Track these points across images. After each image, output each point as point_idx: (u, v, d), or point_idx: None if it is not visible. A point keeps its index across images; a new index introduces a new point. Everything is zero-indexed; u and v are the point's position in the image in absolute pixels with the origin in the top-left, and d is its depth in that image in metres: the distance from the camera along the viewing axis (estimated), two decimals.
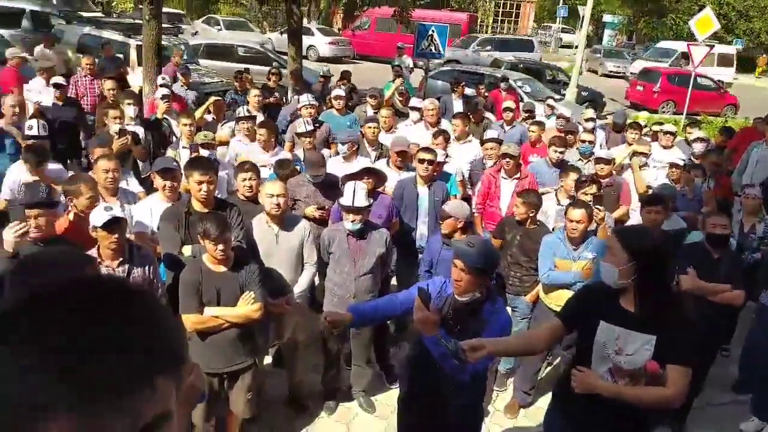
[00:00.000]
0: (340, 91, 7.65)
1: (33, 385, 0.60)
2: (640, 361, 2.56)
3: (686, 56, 17.33)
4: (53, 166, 5.07)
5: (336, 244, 4.12)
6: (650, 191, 5.91)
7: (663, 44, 26.95)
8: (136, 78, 10.11)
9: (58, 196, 3.69)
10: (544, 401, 4.01)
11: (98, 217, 3.20)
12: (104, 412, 0.61)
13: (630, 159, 6.67)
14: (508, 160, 5.50)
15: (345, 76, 10.27)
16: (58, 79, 7.19)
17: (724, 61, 24.02)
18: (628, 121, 8.35)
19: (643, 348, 2.55)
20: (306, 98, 7.04)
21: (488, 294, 2.88)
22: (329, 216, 4.78)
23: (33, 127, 5.29)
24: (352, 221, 3.99)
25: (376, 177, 4.73)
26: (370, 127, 6.28)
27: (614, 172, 6.14)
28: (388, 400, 4.43)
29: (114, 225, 3.19)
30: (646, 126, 9.33)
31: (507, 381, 4.84)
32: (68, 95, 7.49)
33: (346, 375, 4.56)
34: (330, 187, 4.83)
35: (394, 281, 5.21)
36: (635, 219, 5.55)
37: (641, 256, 2.51)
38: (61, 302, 0.66)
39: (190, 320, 3.33)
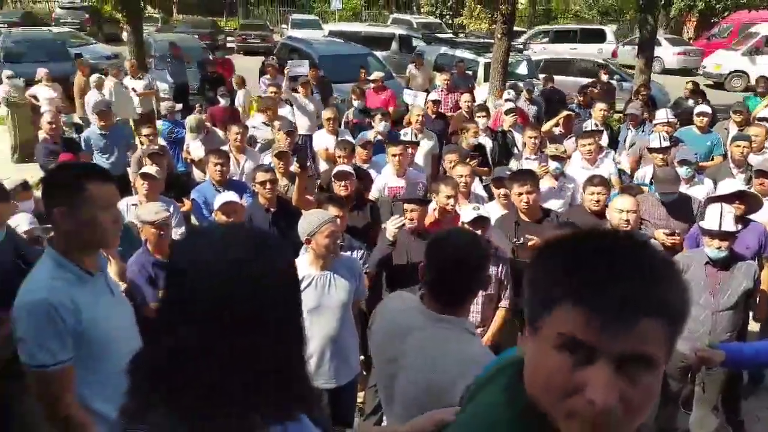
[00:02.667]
0: (705, 108, 6.92)
1: None
2: None
3: None
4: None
5: (690, 271, 3.76)
6: None
7: None
8: (481, 92, 10.89)
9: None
10: None
11: (467, 214, 3.59)
12: None
13: None
14: None
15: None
16: (434, 95, 8.26)
17: None
18: None
19: None
20: (663, 114, 6.59)
21: None
22: (681, 242, 4.39)
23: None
24: (717, 248, 3.59)
25: (748, 202, 4.16)
26: (738, 146, 5.54)
27: None
28: None
29: (478, 223, 3.54)
30: None
31: None
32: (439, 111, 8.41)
33: (683, 417, 4.12)
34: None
35: None
36: None
37: None
38: None
39: None
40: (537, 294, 0.88)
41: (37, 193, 4.29)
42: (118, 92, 9.18)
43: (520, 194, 4.16)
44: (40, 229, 3.71)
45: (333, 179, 4.72)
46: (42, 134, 6.55)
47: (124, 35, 20.12)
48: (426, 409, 1.86)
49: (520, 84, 9.36)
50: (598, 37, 22.14)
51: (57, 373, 1.89)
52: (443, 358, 1.85)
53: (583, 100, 8.74)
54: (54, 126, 6.32)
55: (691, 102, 8.38)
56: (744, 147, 5.52)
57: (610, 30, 23.44)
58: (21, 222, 3.70)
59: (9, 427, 2.68)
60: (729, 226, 3.55)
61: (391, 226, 3.82)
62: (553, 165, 5.32)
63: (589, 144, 5.82)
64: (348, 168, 4.84)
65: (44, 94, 9.30)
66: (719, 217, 3.55)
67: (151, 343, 1.07)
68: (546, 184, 5.19)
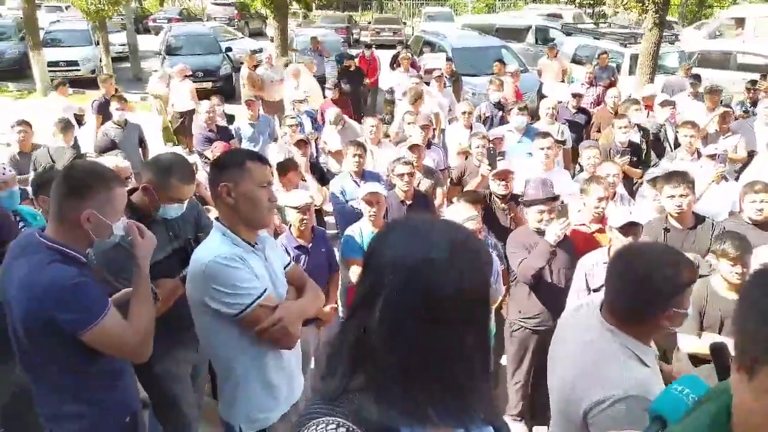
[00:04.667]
0: None
1: None
2: None
3: None
4: None
5: None
6: None
7: None
8: (625, 86, 10.22)
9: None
10: None
11: (617, 218, 3.37)
12: None
13: None
14: None
15: None
16: (575, 88, 7.93)
17: None
18: None
19: None
20: None
21: None
22: None
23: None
24: None
25: None
26: None
27: None
28: None
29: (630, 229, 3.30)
30: None
31: None
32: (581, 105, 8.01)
33: None
34: None
35: None
36: None
37: None
38: None
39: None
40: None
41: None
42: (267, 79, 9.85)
43: (672, 197, 3.78)
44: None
45: (493, 178, 4.53)
46: (200, 123, 7.11)
47: (268, 30, 21.39)
48: (564, 411, 1.80)
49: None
50: None
51: (256, 310, 2.08)
52: (596, 370, 1.75)
53: (751, 97, 7.88)
54: (211, 115, 6.87)
55: None
56: None
57: None
58: None
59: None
60: None
61: (557, 230, 3.50)
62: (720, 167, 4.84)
63: None
64: (509, 167, 4.62)
65: (176, 89, 9.58)
66: None
67: (345, 330, 1.09)
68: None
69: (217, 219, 2.25)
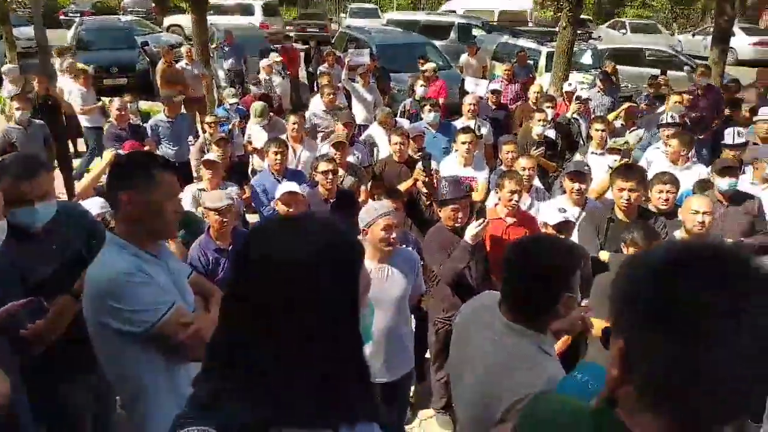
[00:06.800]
0: None
1: None
2: None
3: None
4: None
5: None
6: None
7: None
8: (542, 83, 10.59)
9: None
10: None
11: (552, 216, 3.46)
12: None
13: None
14: None
15: None
16: (495, 86, 8.07)
17: None
18: None
19: None
20: (766, 111, 6.20)
21: None
22: None
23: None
24: None
25: None
26: None
27: None
28: None
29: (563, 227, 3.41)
30: None
31: None
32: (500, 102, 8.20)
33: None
34: None
35: None
36: None
37: None
38: None
39: None
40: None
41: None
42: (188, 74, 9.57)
43: (622, 189, 3.84)
44: (112, 214, 3.81)
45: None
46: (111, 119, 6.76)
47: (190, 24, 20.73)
48: (477, 415, 1.82)
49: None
50: None
51: (168, 324, 1.94)
52: (509, 373, 1.78)
53: (654, 91, 8.36)
54: (122, 112, 6.53)
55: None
56: None
57: None
58: (92, 206, 3.81)
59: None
60: None
61: (474, 230, 3.54)
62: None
63: (681, 144, 5.25)
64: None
65: (67, 86, 8.63)
66: None
67: (217, 332, 1.08)
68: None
69: (110, 230, 2.11)
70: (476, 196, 5.21)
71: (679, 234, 3.81)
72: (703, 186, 4.61)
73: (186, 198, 4.43)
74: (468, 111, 6.73)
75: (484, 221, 3.58)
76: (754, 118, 6.38)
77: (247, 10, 21.33)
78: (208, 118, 6.31)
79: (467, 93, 9.22)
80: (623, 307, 0.86)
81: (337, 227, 1.11)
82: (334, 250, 1.04)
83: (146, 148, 6.02)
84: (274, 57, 10.00)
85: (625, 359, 0.85)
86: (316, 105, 7.63)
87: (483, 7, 21.21)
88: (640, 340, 0.82)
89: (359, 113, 8.03)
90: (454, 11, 21.56)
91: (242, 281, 1.04)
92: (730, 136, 5.46)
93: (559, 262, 1.78)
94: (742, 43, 20.57)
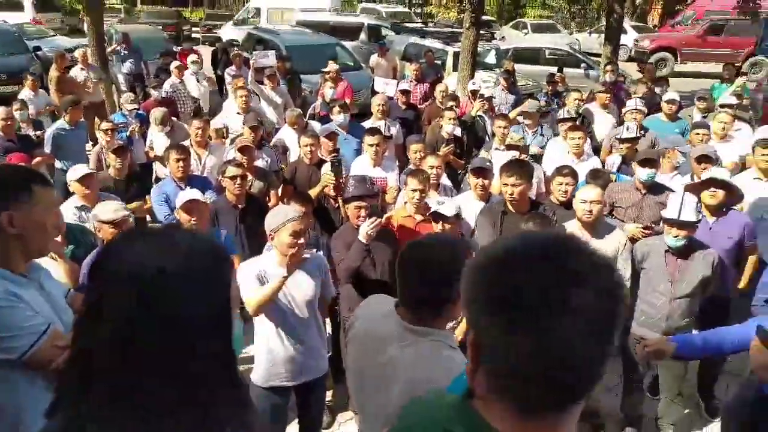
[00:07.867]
0: (674, 95, 7.00)
1: None
2: None
3: None
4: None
5: (650, 259, 3.81)
6: None
7: None
8: (450, 82, 10.87)
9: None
10: None
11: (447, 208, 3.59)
12: None
13: None
14: None
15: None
16: (404, 86, 8.16)
17: None
18: None
19: None
20: (633, 103, 6.64)
21: None
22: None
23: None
24: (675, 236, 3.63)
25: (727, 190, 4.11)
26: (698, 134, 5.63)
27: None
28: None
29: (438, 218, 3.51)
30: None
31: None
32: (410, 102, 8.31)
33: (651, 404, 4.19)
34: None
35: None
36: None
37: None
38: None
39: None
40: None
41: None
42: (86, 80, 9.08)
43: (506, 185, 3.99)
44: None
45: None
46: None
47: (86, 27, 19.54)
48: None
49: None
50: None
51: (43, 349, 1.84)
52: (433, 378, 1.73)
53: (552, 88, 8.78)
54: (8, 123, 6.08)
55: (657, 89, 8.47)
56: (704, 135, 5.60)
57: None
58: None
59: None
60: (688, 215, 3.57)
61: (366, 229, 3.61)
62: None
63: (579, 138, 5.64)
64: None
65: None
66: (679, 206, 3.58)
67: (73, 352, 1.01)
68: None
69: None
70: (388, 198, 5.28)
71: (574, 223, 4.04)
72: (594, 175, 4.89)
73: (67, 211, 4.08)
74: (377, 111, 6.80)
75: (375, 220, 3.64)
76: (623, 110, 6.83)
77: (16, 6, 20.20)
78: (104, 125, 5.97)
79: (377, 93, 9.31)
80: (469, 299, 0.90)
81: (202, 237, 1.08)
82: (197, 260, 1.00)
83: (36, 160, 5.65)
84: (193, 58, 9.65)
85: (477, 349, 0.89)
86: (230, 108, 7.45)
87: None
88: (484, 330, 0.87)
89: (269, 116, 7.91)
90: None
91: (96, 297, 0.98)
92: (621, 130, 5.84)
93: (446, 258, 1.82)
94: (632, 40, 22.07)
